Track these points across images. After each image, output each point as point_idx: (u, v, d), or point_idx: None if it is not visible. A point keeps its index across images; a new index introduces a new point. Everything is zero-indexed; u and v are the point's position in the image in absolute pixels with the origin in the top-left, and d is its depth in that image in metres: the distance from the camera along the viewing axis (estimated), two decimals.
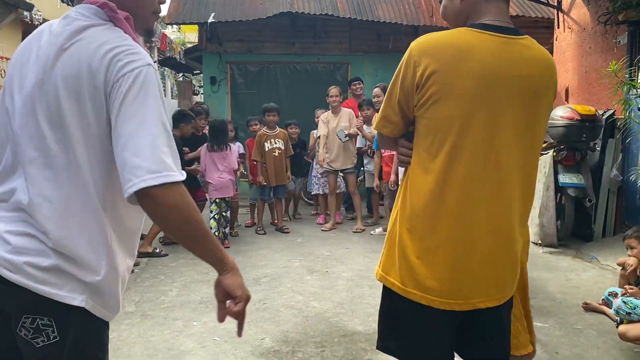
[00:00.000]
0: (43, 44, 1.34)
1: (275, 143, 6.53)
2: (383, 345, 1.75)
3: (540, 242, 5.49)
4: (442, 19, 1.74)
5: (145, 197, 1.22)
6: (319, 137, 6.80)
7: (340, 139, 6.53)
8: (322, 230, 6.40)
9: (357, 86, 7.58)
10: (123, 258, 1.42)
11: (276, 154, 6.50)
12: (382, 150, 5.85)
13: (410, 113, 1.60)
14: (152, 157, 1.23)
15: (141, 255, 5.30)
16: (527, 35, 1.59)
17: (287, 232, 6.50)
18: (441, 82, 1.49)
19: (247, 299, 1.37)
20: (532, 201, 1.66)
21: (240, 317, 1.38)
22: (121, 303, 1.45)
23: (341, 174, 6.73)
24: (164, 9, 11.84)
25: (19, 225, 1.30)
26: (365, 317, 3.71)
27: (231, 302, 1.37)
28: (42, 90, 1.30)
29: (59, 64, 1.29)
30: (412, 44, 1.58)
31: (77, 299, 1.30)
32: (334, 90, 6.74)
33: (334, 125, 6.62)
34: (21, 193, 1.30)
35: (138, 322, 3.67)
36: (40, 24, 7.07)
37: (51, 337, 1.31)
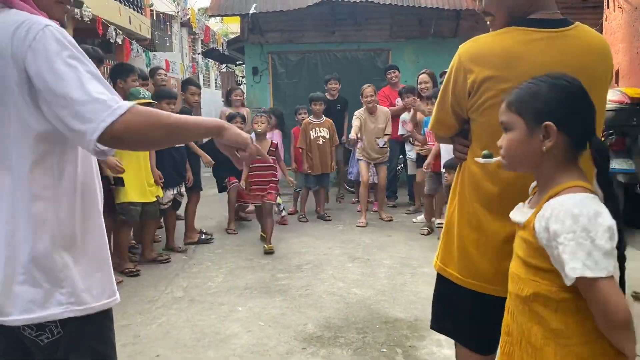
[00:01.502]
0: None
1: (320, 132, 6.59)
2: (439, 326, 1.87)
3: None
4: (486, 8, 1.69)
5: (111, 138, 1.19)
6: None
7: (378, 146, 6.50)
8: (357, 226, 6.32)
9: (393, 74, 7.52)
10: (88, 229, 1.38)
11: (321, 142, 6.56)
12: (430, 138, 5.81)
13: (464, 114, 1.63)
14: (93, 99, 1.19)
15: (188, 243, 5.49)
16: (577, 23, 1.57)
17: (329, 220, 6.57)
18: (495, 88, 1.51)
19: (248, 143, 1.40)
20: None
21: (258, 153, 1.44)
22: (110, 284, 1.42)
23: (373, 167, 6.64)
24: (207, 2, 12.06)
25: None
26: (407, 305, 3.74)
27: (239, 153, 1.40)
28: None
29: None
30: (460, 49, 1.59)
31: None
32: (368, 89, 6.50)
33: (371, 127, 6.54)
34: None
35: (186, 307, 3.82)
36: (90, 20, 7.34)
37: (55, 333, 1.31)
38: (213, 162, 5.60)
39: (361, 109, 6.62)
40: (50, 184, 1.29)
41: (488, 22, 1.70)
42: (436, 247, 1.89)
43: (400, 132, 6.76)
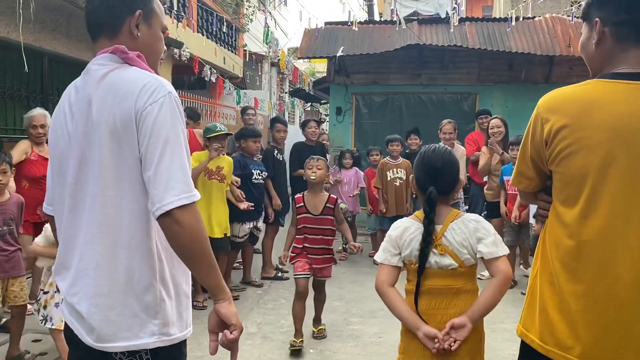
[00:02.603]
0: (73, 101, 1.49)
1: (397, 173, 6.53)
2: None
3: None
4: (580, 53, 1.68)
5: (166, 216, 1.33)
6: None
7: None
8: None
9: (485, 120, 7.32)
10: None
11: (397, 183, 6.50)
12: (507, 186, 5.59)
13: (545, 167, 1.59)
14: (180, 179, 1.35)
15: (265, 278, 5.56)
16: None
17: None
18: (571, 137, 1.47)
19: (242, 328, 1.45)
20: None
21: (234, 345, 1.44)
22: (189, 317, 1.53)
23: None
24: (297, 43, 12.55)
25: None
26: None
27: (226, 331, 1.42)
28: (88, 140, 1.42)
29: (94, 112, 1.41)
30: (540, 100, 1.57)
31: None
32: (448, 126, 6.34)
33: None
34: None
35: (259, 343, 3.84)
36: (188, 59, 7.83)
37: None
38: (281, 206, 5.68)
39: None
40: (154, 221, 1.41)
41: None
42: (518, 301, 1.78)
43: (485, 179, 6.55)
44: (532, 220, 4.91)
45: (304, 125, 6.57)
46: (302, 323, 3.84)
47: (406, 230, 2.09)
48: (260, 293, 5.15)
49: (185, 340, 1.52)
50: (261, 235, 5.62)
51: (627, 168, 1.42)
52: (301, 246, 3.91)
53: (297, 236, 3.94)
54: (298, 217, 3.94)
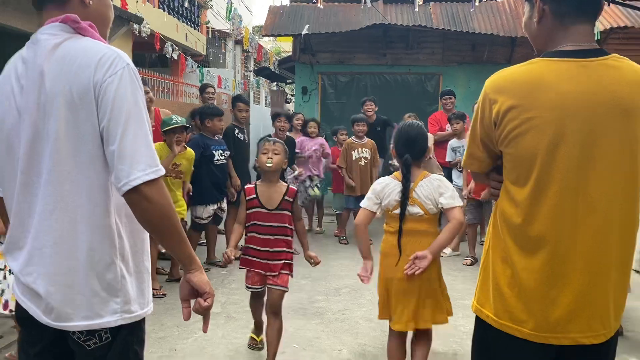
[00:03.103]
0: (21, 73, 1.41)
1: (363, 152, 6.56)
2: None
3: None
4: (524, 32, 1.69)
5: (133, 192, 1.31)
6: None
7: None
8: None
9: (449, 100, 7.41)
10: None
11: (362, 163, 6.53)
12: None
13: (495, 148, 1.59)
14: (145, 153, 1.33)
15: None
16: (614, 54, 1.50)
17: (346, 243, 6.49)
18: (519, 118, 1.47)
19: (213, 295, 1.48)
20: (635, 236, 1.53)
21: (208, 312, 1.48)
22: (150, 293, 1.53)
23: None
24: (261, 21, 12.30)
25: None
26: (446, 338, 3.62)
27: (200, 299, 1.45)
28: (42, 113, 1.36)
29: (47, 84, 1.35)
30: (487, 81, 1.57)
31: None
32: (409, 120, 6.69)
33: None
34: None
35: (223, 323, 3.83)
36: (148, 35, 7.61)
37: (103, 339, 1.42)
38: (241, 186, 5.62)
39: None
40: (117, 199, 1.39)
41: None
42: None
43: (447, 159, 6.65)
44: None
45: (274, 118, 6.56)
46: (261, 315, 3.38)
47: (387, 185, 2.81)
48: (225, 273, 5.12)
49: (144, 317, 1.51)
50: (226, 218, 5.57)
51: (575, 147, 1.43)
52: (251, 248, 3.19)
53: (248, 235, 3.21)
54: (248, 212, 3.18)
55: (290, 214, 3.19)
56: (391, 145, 2.99)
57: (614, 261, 1.49)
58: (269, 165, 3.12)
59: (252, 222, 3.16)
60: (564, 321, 1.49)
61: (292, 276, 3.26)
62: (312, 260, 3.19)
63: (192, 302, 1.48)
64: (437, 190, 2.72)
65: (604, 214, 1.45)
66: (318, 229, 7.18)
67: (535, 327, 1.51)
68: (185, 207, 4.75)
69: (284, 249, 3.18)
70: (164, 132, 4.46)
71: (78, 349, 1.42)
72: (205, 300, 1.45)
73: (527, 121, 1.45)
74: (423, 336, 2.87)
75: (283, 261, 3.17)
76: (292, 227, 3.22)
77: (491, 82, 1.56)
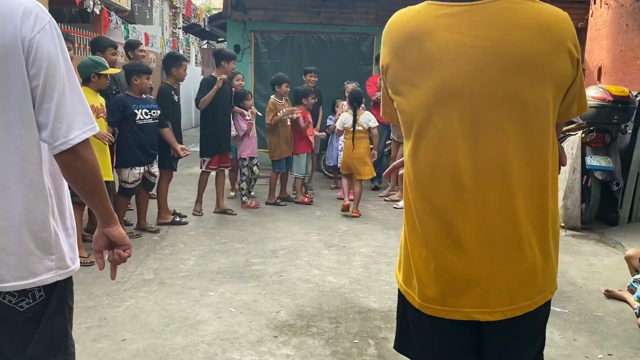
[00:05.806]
0: None
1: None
2: (398, 345, 1.60)
3: (563, 224, 5.38)
4: None
5: (69, 152, 1.32)
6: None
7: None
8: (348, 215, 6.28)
9: None
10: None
11: (288, 123, 6.39)
12: None
13: None
14: (82, 110, 1.35)
15: (161, 224, 5.36)
16: None
17: (284, 206, 6.47)
18: (395, 77, 1.37)
19: (131, 247, 1.56)
20: (545, 193, 1.32)
21: (121, 262, 1.55)
22: (77, 249, 1.55)
23: None
24: None
25: None
26: (381, 295, 3.70)
27: (119, 250, 1.51)
28: None
29: None
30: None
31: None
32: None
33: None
34: None
35: (156, 289, 3.72)
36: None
37: (37, 297, 1.41)
38: (188, 152, 5.44)
39: (346, 101, 6.51)
40: (48, 158, 1.38)
41: None
42: None
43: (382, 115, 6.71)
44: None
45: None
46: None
47: (346, 118, 6.03)
48: (157, 239, 4.96)
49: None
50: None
51: (457, 106, 1.28)
52: None
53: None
54: None
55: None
56: (346, 100, 6.36)
57: (523, 230, 1.29)
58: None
59: None
60: (454, 294, 1.34)
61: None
62: None
63: (105, 253, 1.53)
64: (367, 118, 6.06)
65: (494, 180, 1.28)
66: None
67: (427, 298, 1.37)
68: (110, 169, 4.53)
69: None
70: (97, 75, 4.32)
71: (8, 313, 1.38)
72: (125, 251, 1.51)
73: (402, 83, 1.34)
74: (358, 182, 6.09)
75: None
76: None
77: (385, 28, 1.41)
